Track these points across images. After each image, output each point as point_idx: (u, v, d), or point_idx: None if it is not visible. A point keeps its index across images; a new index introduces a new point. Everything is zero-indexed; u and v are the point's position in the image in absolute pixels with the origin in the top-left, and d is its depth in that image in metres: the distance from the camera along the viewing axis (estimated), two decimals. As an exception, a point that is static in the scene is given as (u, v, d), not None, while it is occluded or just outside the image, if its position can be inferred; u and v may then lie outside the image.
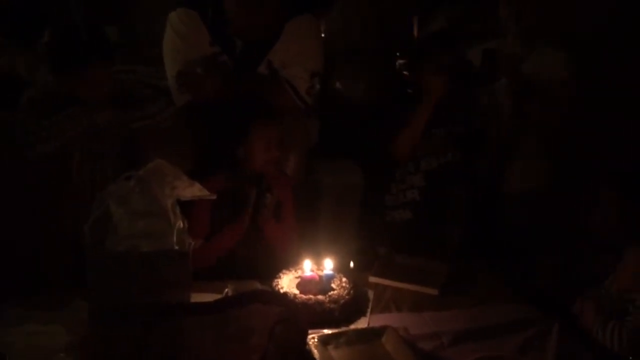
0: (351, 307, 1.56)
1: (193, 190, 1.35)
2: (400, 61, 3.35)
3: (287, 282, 1.60)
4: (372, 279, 1.74)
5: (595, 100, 2.50)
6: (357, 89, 2.80)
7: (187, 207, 1.51)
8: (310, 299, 1.52)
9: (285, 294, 1.51)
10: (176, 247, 1.24)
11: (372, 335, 1.44)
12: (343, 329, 1.48)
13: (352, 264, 1.71)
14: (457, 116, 2.19)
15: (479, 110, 2.28)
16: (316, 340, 1.37)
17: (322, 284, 1.58)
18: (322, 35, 2.35)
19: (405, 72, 3.16)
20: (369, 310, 1.59)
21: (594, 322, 1.60)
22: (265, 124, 1.88)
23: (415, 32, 3.34)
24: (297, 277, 1.62)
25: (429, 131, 2.15)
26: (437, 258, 1.90)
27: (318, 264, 1.65)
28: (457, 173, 2.18)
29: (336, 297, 1.54)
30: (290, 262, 1.71)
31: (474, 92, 2.31)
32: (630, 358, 1.54)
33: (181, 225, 1.26)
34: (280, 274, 1.63)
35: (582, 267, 1.99)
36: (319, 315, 1.49)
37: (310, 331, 1.35)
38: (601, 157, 2.48)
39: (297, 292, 1.55)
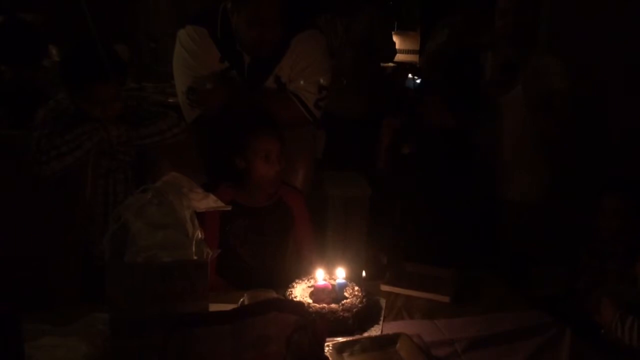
0: (364, 315, 1.57)
1: (208, 202, 1.37)
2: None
3: (300, 292, 1.61)
4: (384, 288, 1.75)
5: (596, 107, 2.53)
6: (346, 102, 2.84)
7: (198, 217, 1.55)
8: (323, 307, 1.53)
9: (300, 302, 1.53)
10: (195, 257, 1.26)
11: (386, 342, 1.45)
12: (357, 336, 1.49)
13: (364, 273, 1.73)
14: (453, 133, 2.19)
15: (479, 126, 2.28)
16: (331, 348, 1.39)
17: (335, 293, 1.60)
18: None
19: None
20: (381, 318, 1.61)
21: (612, 317, 1.60)
22: (264, 137, 1.88)
23: (418, 45, 3.40)
24: (310, 287, 1.64)
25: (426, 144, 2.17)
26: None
27: (330, 273, 1.67)
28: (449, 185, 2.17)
29: (349, 305, 1.55)
30: (305, 272, 1.72)
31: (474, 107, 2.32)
32: None
33: (199, 235, 1.29)
34: (294, 284, 1.65)
35: (588, 276, 2.00)
36: (332, 323, 1.50)
37: (324, 339, 1.36)
38: (603, 165, 2.50)
39: (310, 301, 1.57)
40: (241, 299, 1.52)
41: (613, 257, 1.95)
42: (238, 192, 1.93)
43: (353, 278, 1.69)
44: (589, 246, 2.05)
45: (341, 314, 1.53)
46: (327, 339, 1.38)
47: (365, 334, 1.52)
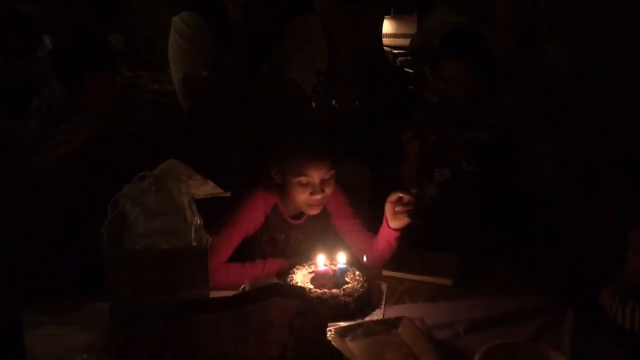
0: (366, 300, 1.57)
1: (207, 189, 1.36)
2: (401, 58, 3.38)
3: (301, 277, 1.61)
4: (386, 272, 1.75)
5: (596, 88, 2.51)
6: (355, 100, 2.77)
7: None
8: (325, 293, 1.53)
9: (302, 287, 1.52)
10: (194, 244, 1.26)
11: (388, 325, 1.45)
12: (359, 321, 1.49)
13: (365, 258, 1.72)
14: (476, 122, 2.08)
15: (501, 113, 2.15)
16: (333, 332, 1.39)
17: (336, 278, 1.59)
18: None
19: (406, 69, 3.19)
20: (383, 302, 1.61)
21: (612, 303, 1.59)
22: (309, 165, 1.61)
23: (415, 29, 3.36)
24: (310, 272, 1.63)
25: (444, 141, 2.07)
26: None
27: (331, 258, 1.66)
28: (474, 184, 2.07)
29: (350, 290, 1.55)
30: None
31: (494, 91, 2.20)
32: None
33: (198, 222, 1.28)
34: (294, 269, 1.64)
35: (592, 256, 1.98)
36: (334, 308, 1.50)
37: (326, 324, 1.36)
38: (604, 144, 2.47)
39: (311, 286, 1.56)
40: (242, 286, 1.51)
41: (617, 236, 1.92)
42: (279, 199, 1.74)
43: (354, 263, 1.69)
44: (592, 227, 2.03)
45: (342, 298, 1.53)
46: (329, 324, 1.38)
47: (367, 319, 1.52)
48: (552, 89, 2.25)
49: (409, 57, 3.17)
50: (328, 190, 1.67)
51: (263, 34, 2.03)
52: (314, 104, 2.15)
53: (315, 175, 1.63)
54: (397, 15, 3.46)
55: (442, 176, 2.09)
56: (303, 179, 1.63)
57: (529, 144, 2.27)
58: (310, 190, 1.64)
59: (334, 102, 2.53)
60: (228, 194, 1.38)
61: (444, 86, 2.05)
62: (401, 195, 1.66)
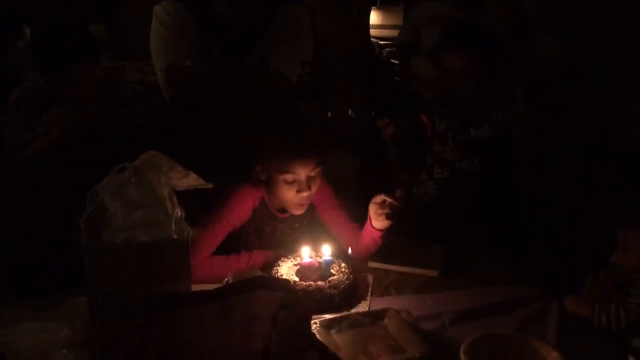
0: (351, 292, 1.56)
1: (188, 180, 1.33)
2: (387, 49, 3.37)
3: (286, 270, 1.59)
4: (371, 264, 1.74)
5: (596, 88, 2.50)
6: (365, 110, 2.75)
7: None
8: (310, 285, 1.51)
9: (286, 279, 1.51)
10: (175, 236, 1.23)
11: (373, 317, 1.44)
12: (344, 313, 1.47)
13: (350, 250, 1.71)
14: (475, 118, 2.06)
15: (500, 107, 2.12)
16: (318, 324, 1.37)
17: (321, 270, 1.58)
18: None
19: (393, 60, 3.18)
20: (369, 294, 1.60)
21: (593, 313, 1.57)
22: (295, 162, 1.58)
23: (402, 20, 3.35)
24: (295, 265, 1.61)
25: (444, 137, 2.07)
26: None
27: (316, 250, 1.64)
28: (474, 182, 2.06)
29: (336, 282, 1.54)
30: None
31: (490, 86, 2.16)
32: None
33: (179, 214, 1.25)
34: (279, 262, 1.62)
35: (588, 254, 1.98)
36: (319, 301, 1.49)
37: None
38: (602, 142, 2.47)
39: (296, 279, 1.55)
40: (226, 279, 1.49)
41: (608, 228, 1.92)
42: (265, 193, 1.72)
43: (340, 255, 1.67)
44: (587, 226, 2.03)
45: (328, 291, 1.51)
46: (314, 316, 1.36)
47: (353, 311, 1.51)
48: (547, 80, 2.24)
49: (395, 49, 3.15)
50: (314, 188, 1.65)
51: (247, 24, 1.99)
52: (330, 114, 2.12)
53: (302, 172, 1.61)
54: (383, 6, 3.44)
55: (442, 173, 2.08)
56: (289, 177, 1.61)
57: (526, 139, 2.27)
58: (297, 188, 1.63)
59: (350, 112, 2.51)
60: (210, 186, 1.35)
61: (447, 79, 2.03)
62: (385, 198, 1.65)
